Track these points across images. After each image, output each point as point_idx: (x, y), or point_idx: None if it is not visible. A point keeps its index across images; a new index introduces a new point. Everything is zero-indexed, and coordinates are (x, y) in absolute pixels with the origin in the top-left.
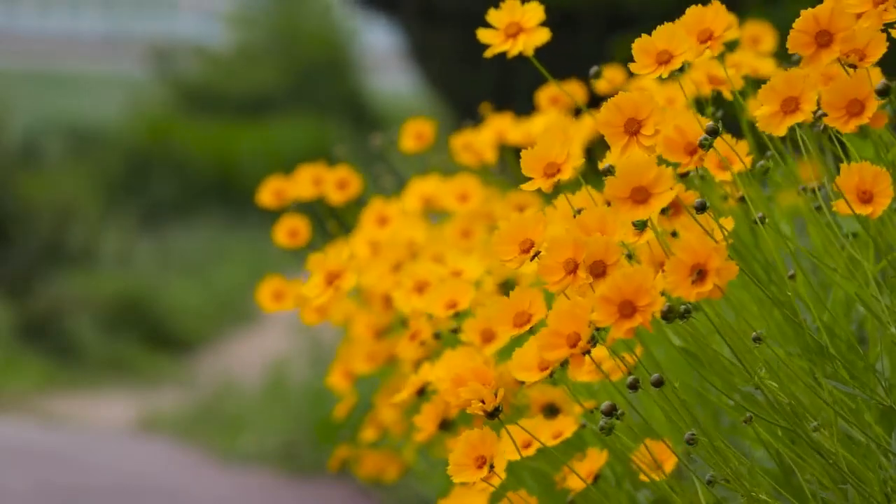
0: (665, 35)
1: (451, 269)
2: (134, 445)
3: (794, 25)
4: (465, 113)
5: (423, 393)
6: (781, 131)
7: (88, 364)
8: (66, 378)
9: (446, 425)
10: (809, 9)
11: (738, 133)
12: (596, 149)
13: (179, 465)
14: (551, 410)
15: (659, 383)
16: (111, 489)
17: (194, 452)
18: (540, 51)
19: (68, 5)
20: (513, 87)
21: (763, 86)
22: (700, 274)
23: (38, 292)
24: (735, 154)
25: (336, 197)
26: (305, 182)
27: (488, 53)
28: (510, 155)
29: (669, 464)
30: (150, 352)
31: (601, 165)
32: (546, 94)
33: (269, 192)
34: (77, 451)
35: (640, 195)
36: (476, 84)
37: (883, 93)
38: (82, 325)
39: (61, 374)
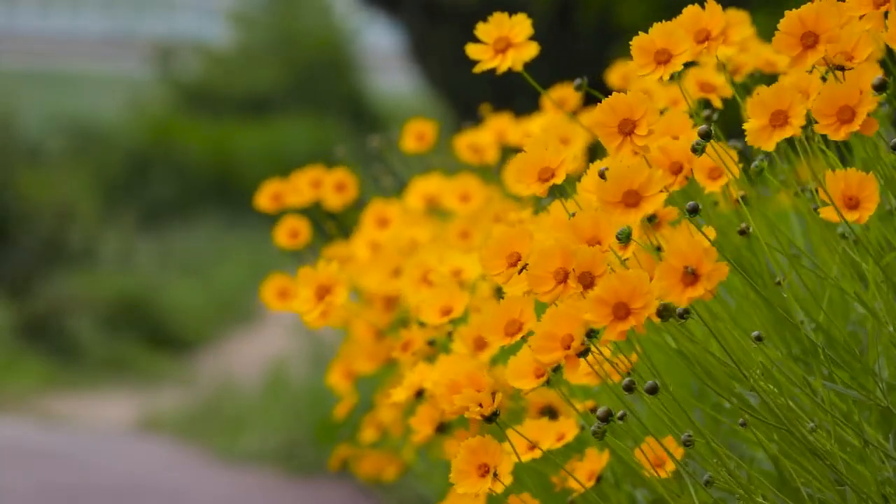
0: (663, 33)
1: (450, 267)
2: (134, 445)
3: (778, 27)
4: (465, 112)
5: (420, 395)
6: (770, 146)
7: (88, 364)
8: (66, 378)
9: (443, 428)
10: (794, 10)
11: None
12: (598, 150)
13: (179, 465)
14: (550, 413)
15: (653, 390)
16: (111, 489)
17: (194, 452)
18: (543, 47)
19: (69, 5)
20: (513, 86)
21: (750, 98)
22: (691, 278)
23: (38, 292)
24: (723, 164)
25: (334, 200)
26: (303, 187)
27: (477, 69)
28: (512, 155)
29: (669, 464)
30: (150, 352)
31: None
32: (549, 96)
33: (266, 196)
34: (77, 451)
35: (632, 199)
36: (476, 83)
37: (880, 88)
38: (82, 325)
39: (61, 374)
